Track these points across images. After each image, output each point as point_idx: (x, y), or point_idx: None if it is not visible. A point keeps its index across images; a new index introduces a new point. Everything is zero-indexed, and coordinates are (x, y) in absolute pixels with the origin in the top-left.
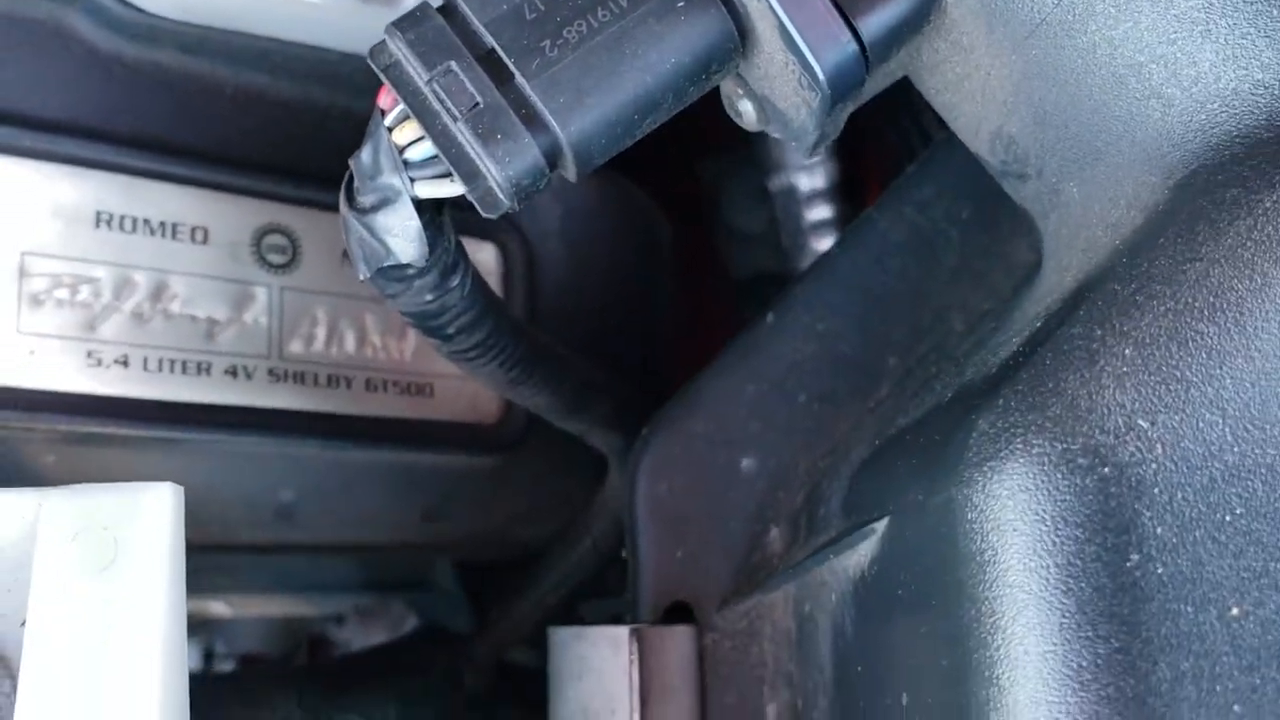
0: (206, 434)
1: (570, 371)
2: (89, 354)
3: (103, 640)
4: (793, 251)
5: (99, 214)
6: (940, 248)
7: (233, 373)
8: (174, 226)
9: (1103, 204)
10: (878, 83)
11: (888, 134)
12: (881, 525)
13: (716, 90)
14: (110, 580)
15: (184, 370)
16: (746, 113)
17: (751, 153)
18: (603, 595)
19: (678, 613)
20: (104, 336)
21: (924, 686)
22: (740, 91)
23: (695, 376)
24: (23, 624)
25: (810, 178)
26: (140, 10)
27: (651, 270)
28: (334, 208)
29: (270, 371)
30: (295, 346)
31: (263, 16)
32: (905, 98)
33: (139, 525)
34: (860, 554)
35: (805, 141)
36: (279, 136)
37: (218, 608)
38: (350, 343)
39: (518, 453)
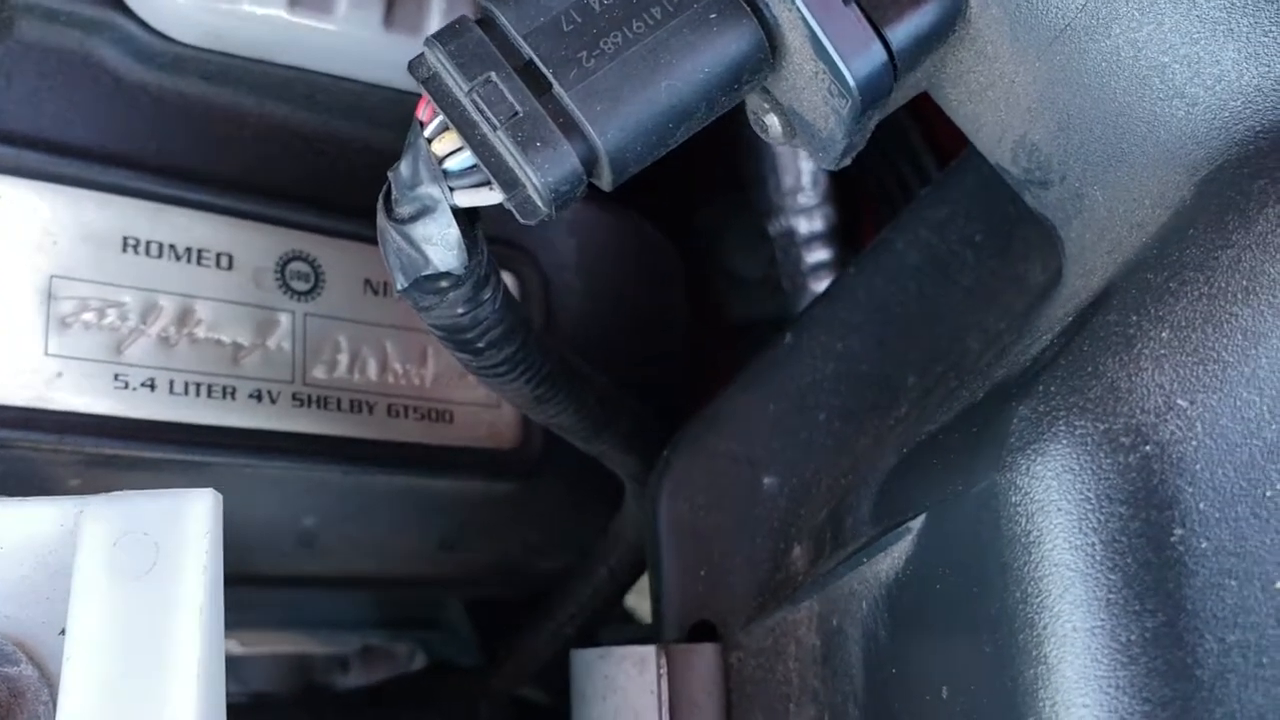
0: (232, 458)
1: (592, 390)
2: (116, 376)
3: (143, 645)
4: (793, 293)
5: (126, 239)
6: (955, 269)
7: (257, 397)
8: (199, 252)
9: (1127, 205)
10: (904, 93)
11: (885, 178)
12: (917, 523)
13: (713, 138)
14: (151, 585)
15: (209, 394)
16: (772, 126)
17: (748, 199)
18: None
19: (701, 631)
20: (130, 360)
21: (966, 675)
22: (766, 105)
23: (715, 396)
24: (60, 633)
25: (809, 221)
26: (166, 38)
27: (664, 302)
28: (355, 237)
29: (294, 396)
30: (318, 372)
31: (287, 45)
32: (903, 141)
33: (180, 531)
34: (894, 555)
35: (833, 151)
36: (301, 167)
37: (231, 645)
38: (372, 369)
39: (534, 480)
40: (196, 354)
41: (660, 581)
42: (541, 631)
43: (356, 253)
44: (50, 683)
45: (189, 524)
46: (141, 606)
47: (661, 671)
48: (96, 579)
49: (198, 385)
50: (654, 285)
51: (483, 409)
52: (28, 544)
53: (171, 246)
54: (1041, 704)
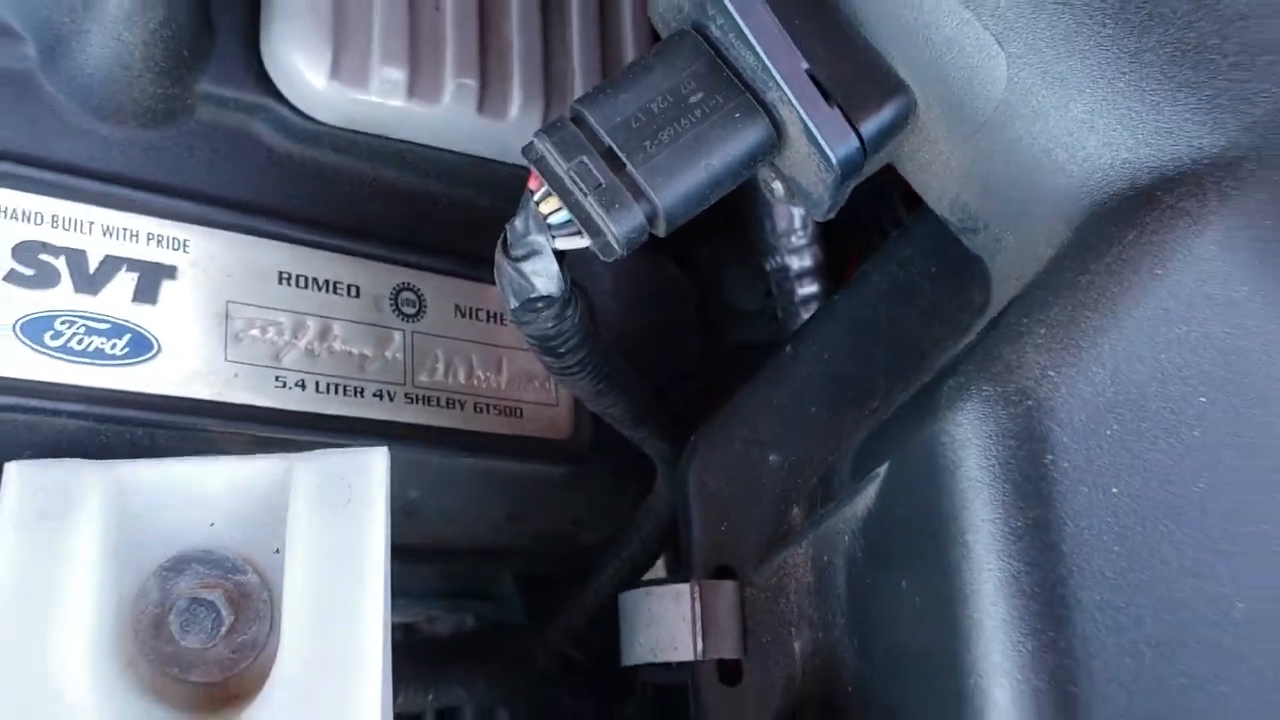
0: (362, 441)
1: (638, 388)
2: (276, 378)
3: (343, 558)
4: (785, 322)
5: (280, 273)
6: (916, 294)
7: (379, 395)
8: (334, 284)
9: (1029, 245)
10: (871, 166)
11: (868, 224)
12: (883, 469)
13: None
14: (347, 515)
15: (344, 392)
16: (777, 190)
17: (747, 240)
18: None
19: (722, 572)
20: (286, 365)
21: (917, 567)
22: (773, 175)
23: (733, 395)
24: (276, 551)
25: (800, 259)
26: (309, 118)
27: (680, 326)
28: (449, 272)
29: (406, 395)
30: (423, 377)
31: (401, 124)
32: (881, 195)
33: (367, 476)
34: (867, 496)
35: (822, 208)
36: (407, 218)
37: None
38: (461, 375)
39: (583, 464)
40: (334, 362)
41: (690, 535)
42: (586, 591)
43: (450, 284)
44: (269, 588)
45: (373, 471)
46: (340, 530)
47: (695, 598)
48: (307, 509)
49: (336, 385)
50: (673, 312)
51: (544, 407)
52: (250, 487)
53: (314, 279)
54: (964, 572)
